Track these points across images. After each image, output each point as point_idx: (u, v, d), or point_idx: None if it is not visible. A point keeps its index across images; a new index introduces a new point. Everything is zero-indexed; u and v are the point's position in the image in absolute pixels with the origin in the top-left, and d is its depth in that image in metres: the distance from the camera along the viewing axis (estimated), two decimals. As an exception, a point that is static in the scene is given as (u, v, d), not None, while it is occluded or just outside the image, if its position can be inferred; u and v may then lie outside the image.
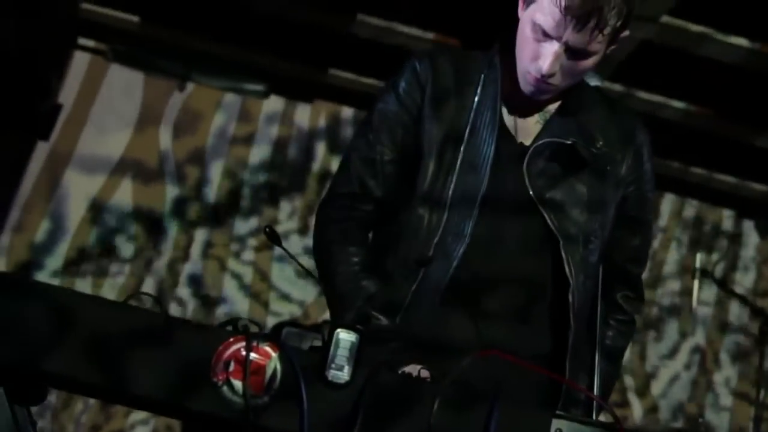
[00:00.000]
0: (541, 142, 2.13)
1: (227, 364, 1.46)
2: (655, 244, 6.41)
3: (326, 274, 2.17)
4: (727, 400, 6.27)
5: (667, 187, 6.25)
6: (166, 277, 5.72)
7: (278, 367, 1.46)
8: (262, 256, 5.75)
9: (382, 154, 2.16)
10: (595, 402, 1.98)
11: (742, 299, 5.24)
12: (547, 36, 2.01)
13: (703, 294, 6.28)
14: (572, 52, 2.02)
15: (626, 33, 2.06)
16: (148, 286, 5.66)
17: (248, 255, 5.80)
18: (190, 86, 5.90)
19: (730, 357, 6.35)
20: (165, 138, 5.85)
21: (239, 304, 5.77)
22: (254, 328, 1.53)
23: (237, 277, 5.79)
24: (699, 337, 6.36)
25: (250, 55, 5.74)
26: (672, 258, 6.36)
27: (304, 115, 6.05)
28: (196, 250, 5.79)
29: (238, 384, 1.45)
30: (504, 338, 2.07)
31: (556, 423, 1.54)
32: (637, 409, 6.13)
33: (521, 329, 2.12)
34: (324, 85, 5.88)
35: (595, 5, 1.95)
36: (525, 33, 2.06)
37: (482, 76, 2.17)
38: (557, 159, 2.14)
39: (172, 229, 5.78)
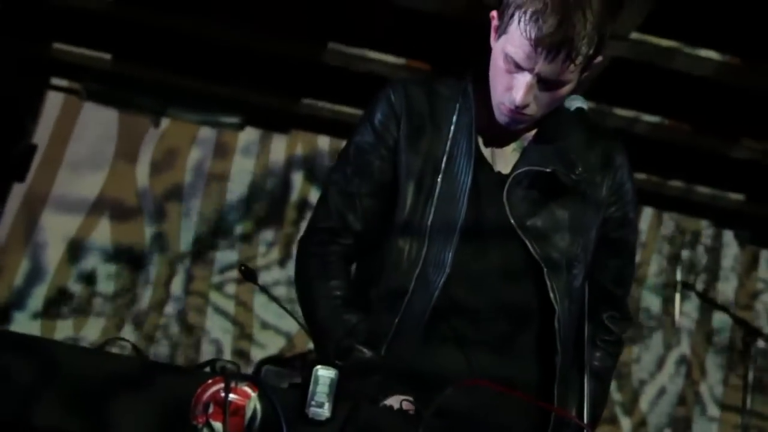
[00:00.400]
0: (520, 170, 2.12)
1: (206, 406, 1.45)
2: (637, 257, 6.41)
3: (308, 309, 2.16)
4: (714, 410, 6.28)
5: (645, 200, 6.28)
6: (149, 315, 5.69)
7: (258, 406, 1.46)
8: (244, 289, 5.73)
9: (360, 187, 2.16)
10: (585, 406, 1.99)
11: (724, 309, 5.25)
12: (519, 67, 2.00)
13: (687, 305, 6.31)
14: (545, 83, 2.01)
15: (600, 59, 2.05)
16: (131, 324, 5.64)
17: (230, 288, 5.78)
18: (165, 121, 5.90)
19: (716, 367, 6.36)
20: (142, 175, 5.84)
21: (224, 337, 5.74)
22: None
23: (220, 310, 5.77)
24: (684, 348, 6.37)
25: (224, 88, 5.75)
26: (653, 271, 6.38)
27: (280, 145, 6.06)
28: (177, 285, 5.77)
29: (218, 426, 1.44)
30: (491, 367, 2.06)
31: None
32: (626, 425, 6.13)
33: (507, 358, 2.10)
34: (299, 114, 5.89)
35: (566, 36, 1.94)
36: (497, 64, 2.06)
37: (457, 105, 2.17)
38: (537, 186, 2.13)
39: (153, 266, 5.76)
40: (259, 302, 5.66)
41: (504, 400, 1.97)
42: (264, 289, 1.94)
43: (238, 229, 5.90)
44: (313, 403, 1.45)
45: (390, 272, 2.10)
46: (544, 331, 2.12)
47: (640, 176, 5.90)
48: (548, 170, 2.13)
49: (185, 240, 5.82)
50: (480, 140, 2.15)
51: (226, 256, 5.83)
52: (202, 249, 5.83)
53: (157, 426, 1.47)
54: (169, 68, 5.58)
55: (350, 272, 2.20)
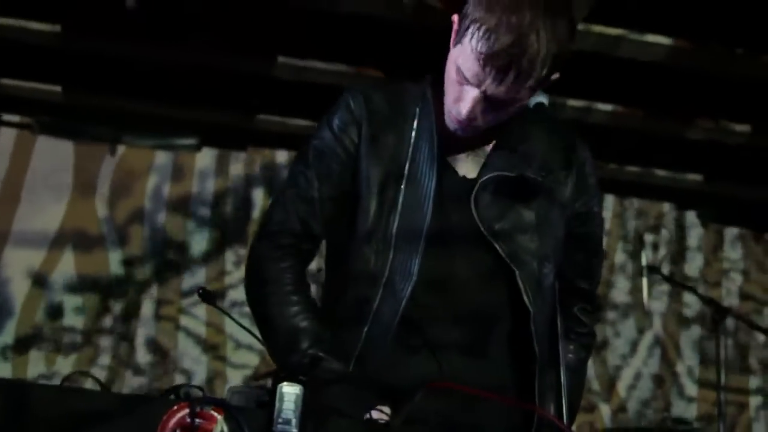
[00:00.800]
0: (486, 177, 2.09)
1: (173, 433, 1.44)
2: (603, 244, 6.46)
3: (265, 318, 2.10)
4: (692, 389, 6.33)
5: (606, 188, 6.32)
6: (120, 344, 5.65)
7: (225, 429, 1.45)
8: (214, 310, 5.68)
9: (319, 191, 2.11)
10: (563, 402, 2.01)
11: (691, 289, 5.29)
12: (468, 81, 1.97)
13: (656, 288, 6.36)
14: (492, 101, 1.98)
15: (556, 76, 1.99)
16: (104, 354, 5.60)
17: (200, 311, 5.76)
18: (121, 149, 5.87)
19: (690, 347, 6.42)
20: (102, 203, 5.81)
21: (197, 360, 5.72)
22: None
23: (191, 333, 5.74)
24: (657, 330, 6.42)
25: (178, 110, 5.72)
26: (620, 258, 6.42)
27: (238, 163, 6.05)
28: (147, 312, 5.74)
29: (186, 452, 1.43)
30: (465, 371, 2.04)
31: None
32: (605, 412, 6.16)
33: (482, 362, 2.08)
34: (255, 131, 5.88)
35: (516, 57, 1.88)
36: (450, 72, 2.03)
37: (417, 109, 2.13)
38: (503, 190, 2.11)
39: (121, 294, 5.72)
40: (230, 322, 5.61)
41: (480, 404, 1.96)
42: (224, 311, 1.92)
43: (203, 251, 5.87)
44: (279, 420, 1.44)
45: (356, 282, 2.07)
46: (517, 333, 2.09)
47: (599, 164, 5.94)
48: (513, 174, 2.10)
49: (150, 265, 5.79)
50: (442, 145, 2.11)
51: (192, 278, 5.81)
52: (168, 273, 5.80)
53: (126, 457, 1.46)
54: (120, 95, 5.54)
55: (306, 277, 2.13)
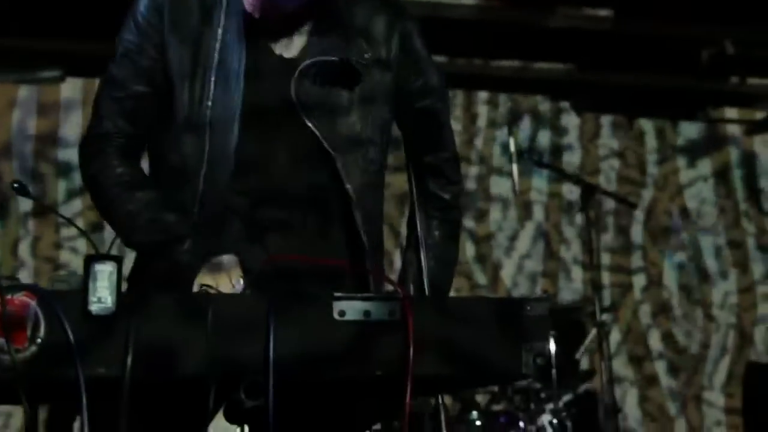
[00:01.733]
0: (306, 63, 2.06)
1: (-13, 325, 1.40)
2: (479, 143, 6.53)
3: (103, 205, 2.08)
4: (578, 273, 6.48)
5: (477, 84, 6.36)
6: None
7: (39, 313, 1.42)
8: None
9: (129, 89, 2.05)
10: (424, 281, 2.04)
11: (556, 169, 5.38)
12: None
13: (537, 179, 6.46)
14: None
15: None
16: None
17: (80, 243, 5.67)
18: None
19: (572, 233, 6.55)
20: (-34, 141, 5.69)
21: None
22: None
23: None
24: (539, 221, 6.53)
25: (40, 42, 5.58)
26: (497, 151, 6.49)
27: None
28: (24, 249, 5.66)
29: (1, 341, 1.40)
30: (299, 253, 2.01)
31: (338, 305, 1.54)
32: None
33: (308, 243, 2.05)
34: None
35: None
36: None
37: None
38: (323, 73, 2.08)
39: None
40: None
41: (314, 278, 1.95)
42: (40, 202, 1.88)
43: (74, 179, 5.73)
44: (94, 299, 1.42)
45: (177, 173, 2.03)
46: (346, 219, 2.08)
47: (468, 60, 5.96)
48: (335, 59, 2.07)
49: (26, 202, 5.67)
50: (256, 23, 2.06)
51: (70, 207, 5.68)
52: (44, 208, 5.68)
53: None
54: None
55: (133, 165, 2.10)
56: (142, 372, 1.42)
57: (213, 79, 2.02)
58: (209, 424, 1.51)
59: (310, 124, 2.04)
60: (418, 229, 2.15)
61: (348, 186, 2.07)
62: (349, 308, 1.55)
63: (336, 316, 1.54)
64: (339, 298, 1.55)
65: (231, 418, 1.58)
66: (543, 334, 1.64)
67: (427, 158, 2.27)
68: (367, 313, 1.55)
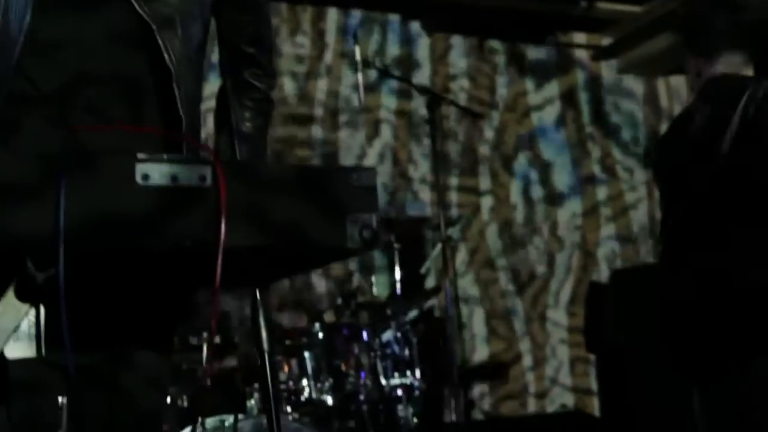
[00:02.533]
0: None
1: None
2: (328, 58, 6.37)
3: None
4: (426, 194, 6.43)
5: (320, 2, 6.20)
6: None
7: None
8: None
9: None
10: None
11: (405, 80, 5.28)
12: None
13: (385, 97, 6.37)
14: None
15: None
16: None
17: None
18: None
19: (420, 152, 6.48)
20: None
21: None
22: None
23: None
24: (386, 139, 6.44)
25: None
26: (345, 68, 6.35)
27: None
28: None
29: None
30: (114, 143, 1.84)
31: (141, 168, 1.38)
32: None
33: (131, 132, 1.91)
34: None
35: None
36: None
37: None
38: None
39: None
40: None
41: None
42: None
43: None
44: None
45: None
46: (164, 98, 1.95)
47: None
48: None
49: None
50: None
51: None
52: None
53: None
54: None
55: None
56: None
57: None
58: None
59: (133, 1, 1.91)
60: (232, 117, 2.14)
61: (167, 56, 1.93)
62: (154, 171, 1.38)
63: (139, 180, 1.38)
64: (142, 160, 1.38)
65: (23, 296, 1.43)
66: (370, 206, 1.51)
67: (244, 48, 2.22)
68: (174, 177, 1.40)
